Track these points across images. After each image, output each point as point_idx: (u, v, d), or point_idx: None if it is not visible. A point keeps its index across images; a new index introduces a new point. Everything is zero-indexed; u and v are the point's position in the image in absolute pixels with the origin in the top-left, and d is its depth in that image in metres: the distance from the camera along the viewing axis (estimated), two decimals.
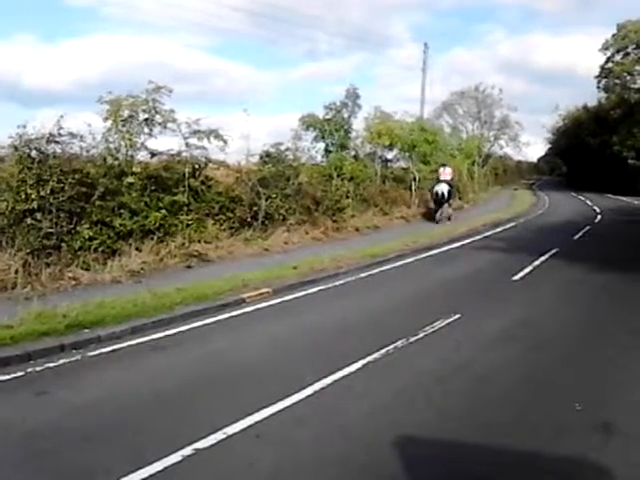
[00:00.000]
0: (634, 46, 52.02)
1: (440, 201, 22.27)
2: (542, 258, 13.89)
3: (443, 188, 22.15)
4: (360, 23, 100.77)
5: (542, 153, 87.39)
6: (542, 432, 4.89)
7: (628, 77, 53.65)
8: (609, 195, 44.31)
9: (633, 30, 51.24)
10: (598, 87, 56.18)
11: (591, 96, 59.85)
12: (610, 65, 53.92)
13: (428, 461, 4.45)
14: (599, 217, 26.65)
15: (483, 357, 6.84)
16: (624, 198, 41.20)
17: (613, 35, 53.33)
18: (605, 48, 54.13)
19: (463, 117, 57.57)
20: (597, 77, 55.74)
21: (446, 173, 23.03)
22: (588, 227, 21.75)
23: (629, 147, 49.81)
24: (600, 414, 5.23)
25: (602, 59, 54.86)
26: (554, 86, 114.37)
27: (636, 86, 53.11)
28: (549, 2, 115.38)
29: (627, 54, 53.11)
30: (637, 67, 52.63)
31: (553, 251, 14.91)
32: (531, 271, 12.38)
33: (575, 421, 5.10)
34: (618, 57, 53.65)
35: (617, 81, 54.00)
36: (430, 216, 22.88)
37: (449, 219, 22.71)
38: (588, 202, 36.77)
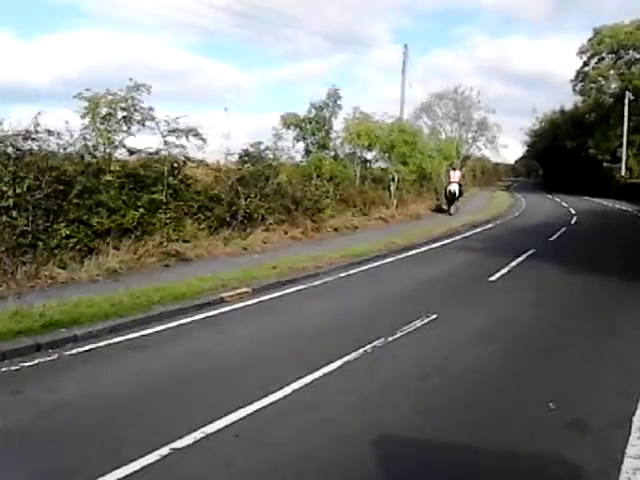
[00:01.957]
0: (609, 51, 52.98)
1: (452, 198, 27.40)
2: (519, 259, 14.06)
3: (455, 188, 27.36)
4: (342, 24, 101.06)
5: (519, 155, 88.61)
6: (518, 430, 4.96)
7: (603, 81, 54.62)
8: (585, 197, 45.00)
9: (608, 35, 52.19)
10: (574, 90, 57.18)
11: (568, 99, 61.00)
12: (586, 69, 54.86)
13: (407, 459, 4.49)
14: (575, 219, 27.04)
15: (460, 357, 6.91)
16: (599, 200, 41.88)
17: (589, 40, 54.30)
18: (582, 52, 55.09)
19: (442, 118, 58.06)
20: (573, 81, 56.74)
21: (455, 175, 28.18)
22: (564, 229, 22.04)
23: (604, 150, 50.77)
24: (573, 413, 5.32)
25: (579, 63, 55.83)
26: (532, 89, 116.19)
27: (611, 90, 54.08)
28: (528, 7, 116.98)
29: (602, 59, 54.13)
30: (612, 71, 53.60)
31: (529, 252, 15.10)
32: (508, 272, 12.52)
33: (549, 419, 5.17)
34: (594, 61, 54.61)
35: (593, 85, 55.01)
36: (410, 216, 24.47)
37: (456, 210, 27.52)
38: (564, 204, 37.27)
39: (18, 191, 10.28)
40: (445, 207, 28.32)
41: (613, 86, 54.09)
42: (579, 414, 5.29)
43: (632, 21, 51.86)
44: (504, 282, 11.57)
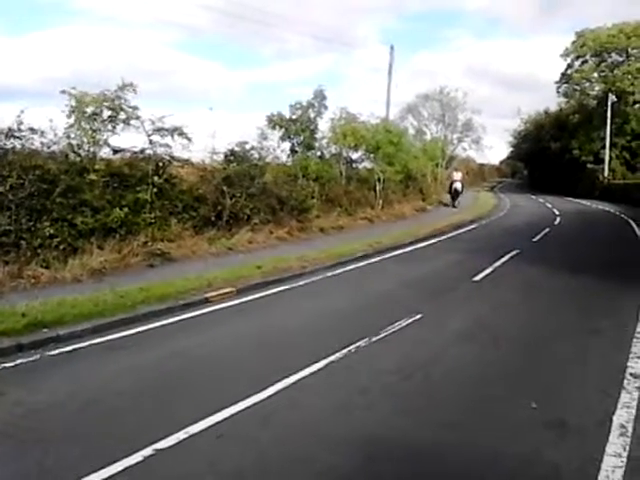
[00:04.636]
0: (592, 53, 53.51)
1: (456, 194, 32.98)
2: (503, 259, 14.16)
3: (458, 186, 33.23)
4: (329, 25, 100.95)
5: (504, 156, 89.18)
6: (500, 430, 5.01)
7: (587, 84, 55.15)
8: (568, 198, 45.35)
9: (591, 38, 52.73)
10: (558, 92, 57.71)
11: (552, 101, 61.39)
12: (570, 72, 55.35)
13: (390, 459, 4.51)
14: (558, 219, 27.24)
15: (443, 356, 6.96)
16: (582, 201, 42.25)
17: (573, 42, 54.76)
18: (565, 55, 55.57)
19: (427, 119, 58.08)
20: (557, 83, 57.23)
21: (458, 175, 34.22)
22: (548, 229, 22.21)
23: (587, 152, 51.21)
24: (555, 412, 5.38)
25: (563, 65, 56.33)
26: (517, 91, 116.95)
27: (594, 92, 54.61)
28: (513, 9, 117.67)
29: (586, 61, 54.65)
30: (595, 74, 54.12)
31: (513, 253, 15.21)
32: (491, 272, 12.60)
33: (531, 419, 5.23)
34: (577, 64, 55.14)
35: (576, 87, 55.53)
36: (395, 216, 24.84)
37: (459, 204, 32.56)
38: (548, 205, 37.55)
39: (1, 190, 10.21)
40: (449, 203, 33.44)
41: (596, 88, 54.60)
42: (560, 413, 5.35)
43: (614, 24, 52.46)
44: (488, 282, 11.65)
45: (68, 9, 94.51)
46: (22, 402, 5.37)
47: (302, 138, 21.61)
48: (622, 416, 5.29)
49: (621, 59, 53.03)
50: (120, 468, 4.19)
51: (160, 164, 13.72)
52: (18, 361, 6.42)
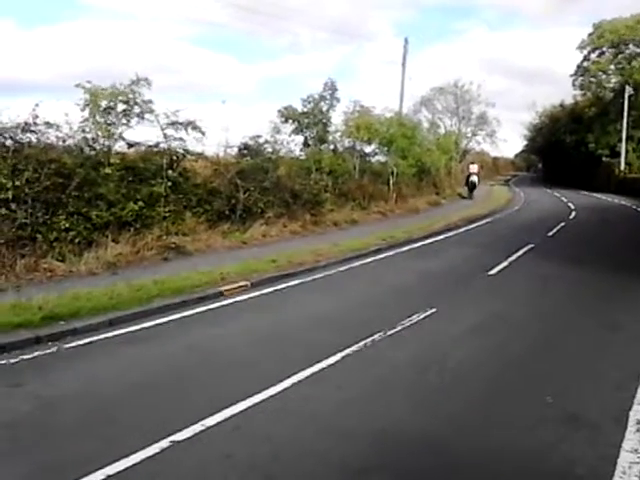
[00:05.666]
0: (609, 45, 52.84)
1: (473, 187, 34.87)
2: (517, 254, 14.07)
3: (475, 179, 35.27)
4: (343, 18, 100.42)
5: (519, 149, 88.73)
6: (515, 424, 4.98)
7: (603, 76, 54.51)
8: (584, 192, 44.97)
9: (608, 30, 52.05)
10: (574, 85, 57.07)
11: (568, 94, 60.74)
12: (586, 64, 54.72)
13: (405, 454, 4.50)
14: (574, 214, 27.00)
15: (458, 350, 6.92)
16: (598, 195, 41.88)
17: (589, 34, 54.12)
18: (582, 47, 54.94)
19: (441, 112, 57.94)
20: (573, 75, 56.60)
21: (474, 168, 35.85)
22: (563, 224, 22.04)
23: (604, 145, 50.68)
24: (571, 407, 5.34)
25: (579, 57, 55.69)
26: (533, 83, 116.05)
27: (611, 85, 53.98)
28: (529, 1, 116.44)
29: (602, 53, 53.98)
30: (612, 66, 53.48)
31: (528, 247, 15.12)
32: (507, 266, 12.53)
33: (546, 414, 5.20)
34: (594, 56, 54.47)
35: (593, 80, 54.87)
36: (409, 210, 24.82)
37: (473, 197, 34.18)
38: (563, 199, 37.25)
39: (17, 183, 10.29)
40: (465, 195, 35.04)
41: (613, 81, 53.97)
42: (576, 408, 5.32)
43: (632, 15, 51.72)
44: (503, 276, 11.59)
45: (81, 4, 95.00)
46: (39, 394, 5.41)
47: (315, 131, 21.57)
48: (639, 412, 5.24)
49: (639, 51, 52.36)
50: (137, 460, 4.21)
51: (174, 158, 13.77)
52: (35, 353, 6.47)
